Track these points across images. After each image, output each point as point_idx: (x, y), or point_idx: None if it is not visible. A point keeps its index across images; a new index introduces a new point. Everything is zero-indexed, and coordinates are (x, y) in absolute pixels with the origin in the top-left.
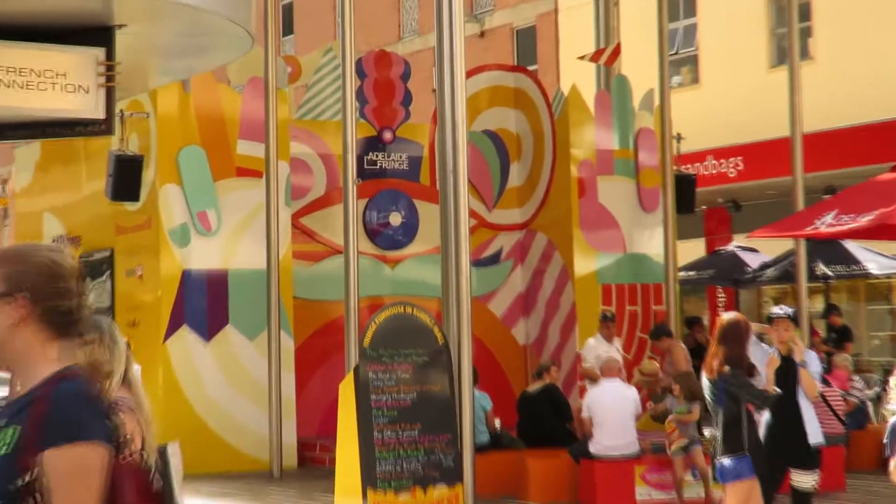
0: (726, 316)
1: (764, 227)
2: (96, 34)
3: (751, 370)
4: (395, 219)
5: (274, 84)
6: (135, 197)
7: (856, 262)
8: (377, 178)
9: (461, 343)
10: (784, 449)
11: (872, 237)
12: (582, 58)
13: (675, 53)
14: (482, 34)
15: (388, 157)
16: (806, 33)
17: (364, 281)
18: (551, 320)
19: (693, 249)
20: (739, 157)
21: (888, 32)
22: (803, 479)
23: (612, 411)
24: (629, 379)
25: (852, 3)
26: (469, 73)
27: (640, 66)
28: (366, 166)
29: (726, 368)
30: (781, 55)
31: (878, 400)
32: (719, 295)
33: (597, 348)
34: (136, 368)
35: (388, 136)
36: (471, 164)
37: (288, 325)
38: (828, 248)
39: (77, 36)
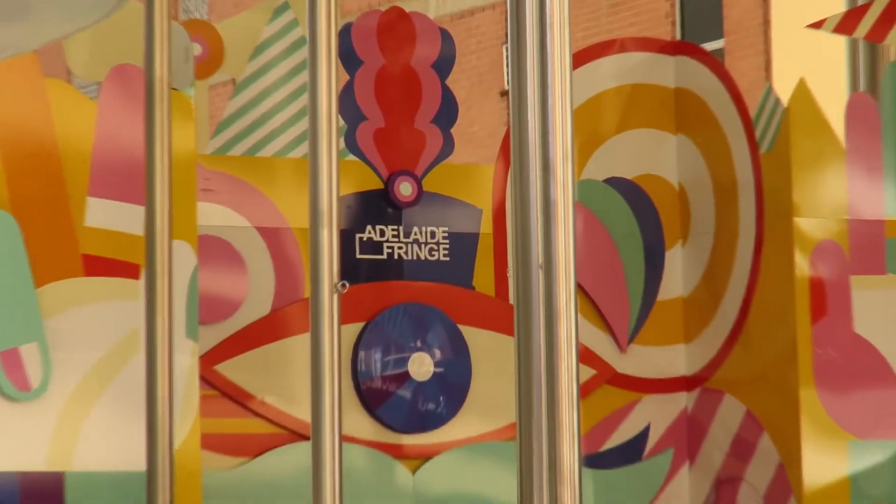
0: None
1: None
2: None
3: None
4: (422, 367)
5: (165, 79)
6: None
7: None
8: (383, 278)
9: None
10: None
11: None
12: (817, 25)
13: None
14: None
15: (408, 234)
16: None
17: (355, 501)
18: None
19: None
20: None
21: None
22: None
23: None
24: None
25: None
26: (579, 58)
27: None
28: (359, 254)
29: None
30: None
31: None
32: None
33: None
34: None
35: (406, 189)
36: (583, 251)
37: None
38: None
39: None
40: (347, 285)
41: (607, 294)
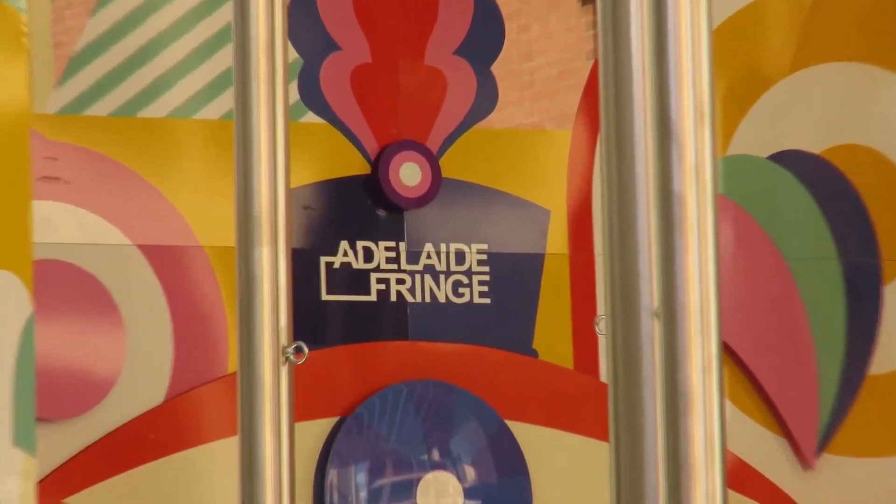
0: None
1: None
2: None
3: None
4: (443, 497)
5: None
6: None
7: None
8: (371, 337)
9: None
10: None
11: None
12: None
13: None
14: None
15: (415, 256)
16: None
17: None
18: None
19: None
20: None
21: None
22: None
23: None
24: None
25: None
26: None
27: None
28: (327, 294)
29: None
30: None
31: None
32: None
33: None
34: None
35: (411, 175)
36: (734, 286)
37: None
38: None
39: None
40: (306, 350)
41: (779, 363)
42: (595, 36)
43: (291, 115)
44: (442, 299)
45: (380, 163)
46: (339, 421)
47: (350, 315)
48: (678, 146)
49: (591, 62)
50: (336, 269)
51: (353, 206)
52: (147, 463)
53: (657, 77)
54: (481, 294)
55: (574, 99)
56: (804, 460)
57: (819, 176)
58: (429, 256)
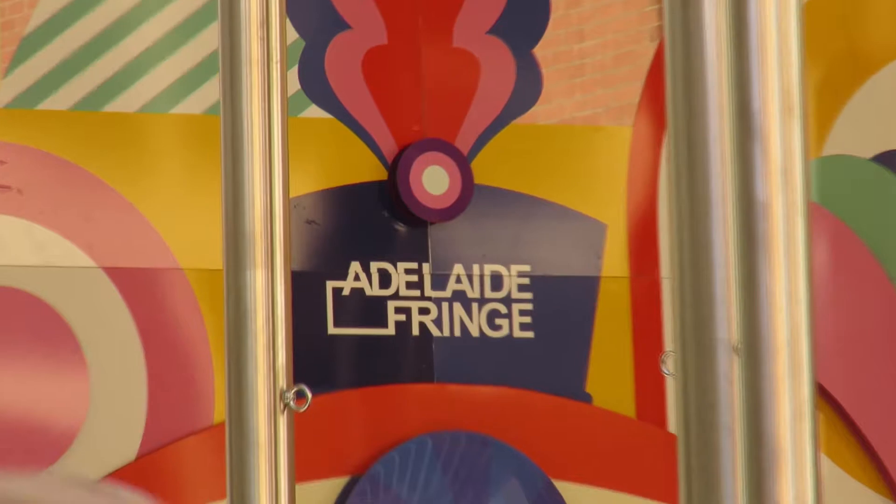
0: None
1: None
2: None
3: None
4: None
5: None
6: None
7: None
8: (389, 378)
9: None
10: None
11: None
12: None
13: None
14: None
15: (441, 281)
16: None
17: None
18: None
19: None
20: None
21: None
22: None
23: None
24: None
25: None
26: None
27: None
28: (335, 326)
29: None
30: None
31: None
32: None
33: None
34: None
35: (436, 182)
36: (833, 317)
37: None
38: None
39: None
40: (309, 395)
41: (885, 409)
42: (660, 12)
43: (291, 108)
44: (475, 333)
45: (398, 166)
46: (350, 481)
47: (363, 352)
48: (762, 145)
49: (656, 44)
50: (346, 296)
51: (367, 220)
52: None
53: (736, 61)
54: (523, 326)
55: (635, 88)
56: None
57: None
58: (458, 280)
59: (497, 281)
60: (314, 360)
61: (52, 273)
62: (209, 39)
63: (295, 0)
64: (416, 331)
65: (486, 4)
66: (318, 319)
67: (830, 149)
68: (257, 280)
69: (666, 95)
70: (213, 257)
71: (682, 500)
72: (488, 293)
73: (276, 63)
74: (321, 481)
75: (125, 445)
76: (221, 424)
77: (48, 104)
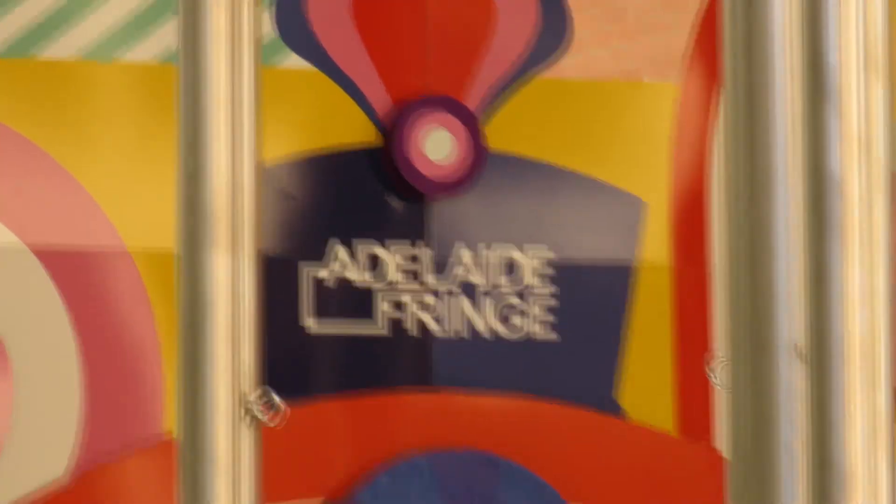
0: None
1: None
2: None
3: None
4: None
5: None
6: None
7: None
8: (380, 383)
9: None
10: None
11: None
12: None
13: None
14: None
15: (442, 266)
16: None
17: None
18: None
19: None
20: None
21: None
22: None
23: None
24: None
25: None
26: None
27: None
28: (313, 320)
29: None
30: None
31: None
32: None
33: None
34: None
35: (439, 146)
36: None
37: None
38: None
39: None
40: (281, 405)
41: None
42: None
43: (264, 57)
44: (484, 331)
45: (395, 128)
46: None
47: (348, 353)
48: (837, 110)
49: None
50: (326, 284)
51: (354, 192)
52: None
53: (809, 8)
54: (542, 324)
55: (682, 38)
56: None
57: None
58: (464, 266)
59: (511, 268)
60: (288, 362)
61: None
62: None
63: None
64: (412, 328)
65: None
66: (292, 313)
67: None
68: (219, 264)
69: (722, 47)
70: (166, 237)
71: None
72: (500, 282)
73: (247, 3)
74: None
75: (53, 463)
76: (172, 439)
77: None
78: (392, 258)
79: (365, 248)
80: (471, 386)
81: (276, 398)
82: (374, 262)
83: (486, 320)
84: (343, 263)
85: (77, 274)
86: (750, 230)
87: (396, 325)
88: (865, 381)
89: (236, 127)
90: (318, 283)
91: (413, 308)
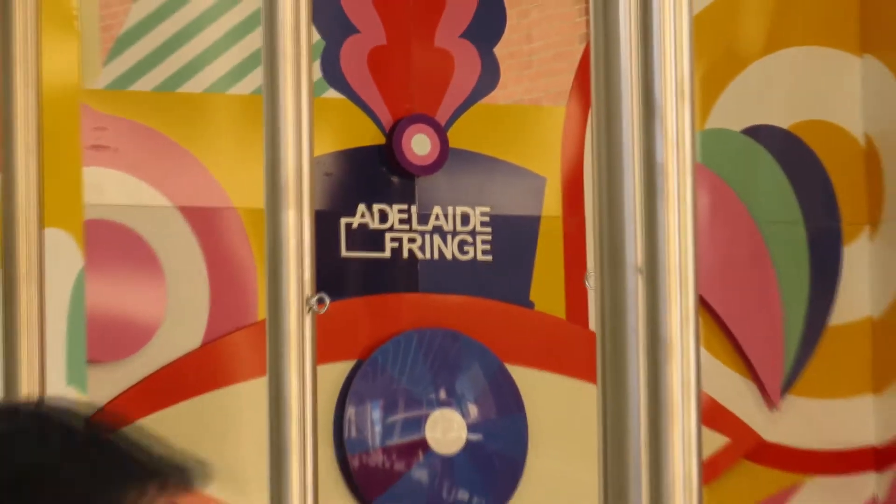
0: None
1: None
2: None
3: None
4: (448, 432)
5: None
6: None
7: None
8: (385, 289)
9: None
10: None
11: None
12: None
13: None
14: None
15: (425, 218)
16: None
17: None
18: None
19: None
20: None
21: None
22: None
23: None
24: None
25: None
26: None
27: None
28: (347, 251)
29: None
30: None
31: None
32: None
33: None
34: None
35: (421, 145)
36: (710, 246)
37: None
38: None
39: None
40: (327, 301)
41: (749, 315)
42: (587, 21)
43: (314, 91)
44: (449, 256)
45: (393, 134)
46: (356, 364)
47: (366, 270)
48: (661, 121)
49: (584, 45)
50: (354, 229)
51: (370, 173)
52: (186, 400)
53: (643, 58)
54: (484, 252)
55: (568, 78)
56: (770, 401)
57: (787, 148)
58: (437, 218)
59: (465, 219)
60: (331, 276)
61: (139, 210)
62: (255, 39)
63: (318, 9)
64: (405, 254)
65: (460, 15)
66: (334, 246)
67: (712, 123)
68: (289, 217)
69: (591, 83)
70: (258, 199)
71: (598, 380)
72: (459, 228)
73: (304, 57)
74: (336, 363)
75: (192, 337)
76: (262, 322)
77: (136, 86)
78: (393, 213)
79: (377, 207)
80: (441, 290)
81: (325, 297)
82: (383, 216)
83: (450, 249)
84: (364, 216)
85: (204, 222)
86: (608, 195)
87: (396, 253)
88: (680, 287)
89: (299, 132)
90: (349, 227)
91: (406, 243)
